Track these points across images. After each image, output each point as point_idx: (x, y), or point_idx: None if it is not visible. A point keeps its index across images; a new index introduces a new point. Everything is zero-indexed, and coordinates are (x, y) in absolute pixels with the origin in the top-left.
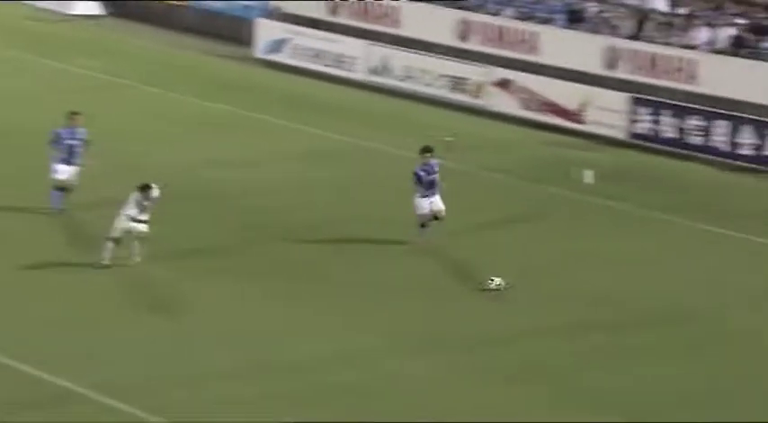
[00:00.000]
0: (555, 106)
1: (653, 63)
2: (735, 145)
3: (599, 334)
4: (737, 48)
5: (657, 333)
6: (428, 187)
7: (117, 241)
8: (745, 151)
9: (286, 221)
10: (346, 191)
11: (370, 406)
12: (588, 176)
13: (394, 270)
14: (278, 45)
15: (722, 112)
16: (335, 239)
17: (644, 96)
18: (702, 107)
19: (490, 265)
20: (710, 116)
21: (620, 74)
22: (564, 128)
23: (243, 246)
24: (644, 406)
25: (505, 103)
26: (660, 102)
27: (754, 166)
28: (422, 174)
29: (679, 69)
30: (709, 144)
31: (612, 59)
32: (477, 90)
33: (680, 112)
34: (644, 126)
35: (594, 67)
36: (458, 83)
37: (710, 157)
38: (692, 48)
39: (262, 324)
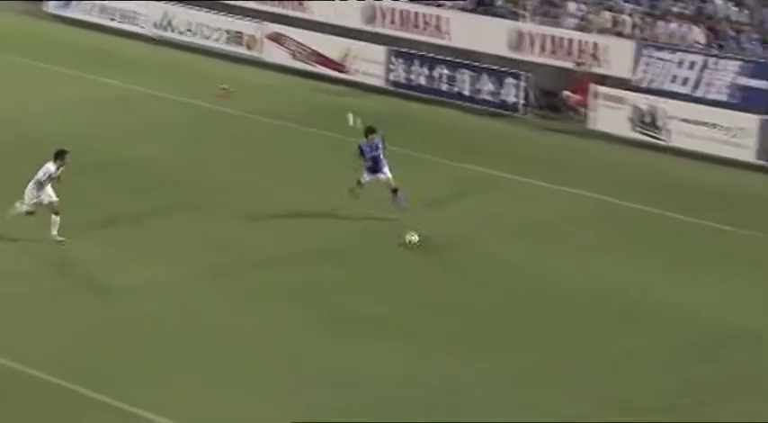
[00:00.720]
0: (322, 57)
1: (408, 19)
2: (477, 91)
3: (354, 261)
4: (479, 6)
5: (415, 259)
6: (374, 163)
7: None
8: (485, 97)
9: (86, 162)
10: (140, 134)
11: (160, 330)
12: (353, 120)
13: (180, 213)
14: (68, 1)
15: (466, 62)
16: (136, 179)
17: (400, 49)
18: (449, 58)
19: (263, 199)
20: (456, 66)
21: (379, 29)
22: (331, 77)
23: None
24: (399, 324)
25: (278, 55)
26: (414, 53)
27: (493, 109)
28: (366, 149)
29: (429, 24)
30: (456, 91)
31: (372, 16)
32: (252, 43)
33: (431, 63)
34: (400, 75)
35: (357, 22)
36: (234, 36)
37: (457, 101)
38: (441, 6)
39: (75, 258)
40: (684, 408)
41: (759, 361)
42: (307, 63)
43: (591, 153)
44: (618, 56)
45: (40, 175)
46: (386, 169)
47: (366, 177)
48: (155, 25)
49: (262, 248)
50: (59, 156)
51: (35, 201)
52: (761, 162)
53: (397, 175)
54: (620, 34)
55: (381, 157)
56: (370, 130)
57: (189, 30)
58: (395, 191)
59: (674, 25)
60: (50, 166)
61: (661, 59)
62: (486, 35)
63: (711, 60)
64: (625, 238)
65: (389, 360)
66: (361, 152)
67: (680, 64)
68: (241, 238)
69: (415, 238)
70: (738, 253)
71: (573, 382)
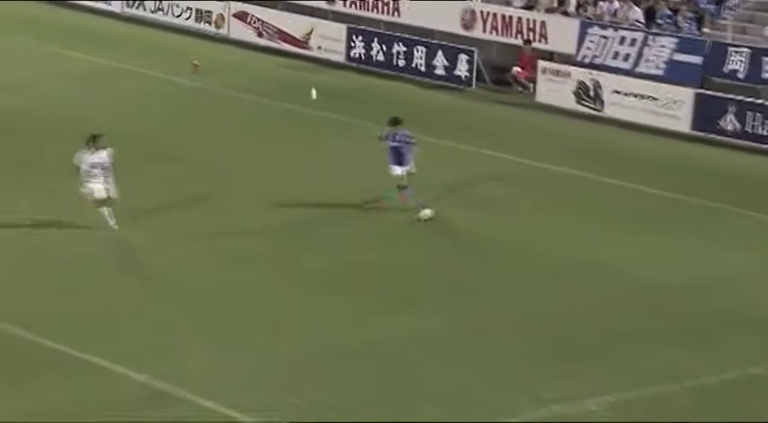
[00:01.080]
0: (285, 35)
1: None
2: (430, 66)
3: (314, 225)
4: None
5: (370, 224)
6: (396, 156)
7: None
8: (438, 72)
9: (69, 134)
10: (116, 107)
11: (135, 283)
12: (313, 94)
13: (161, 182)
14: None
15: (421, 39)
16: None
17: (358, 26)
18: (404, 35)
19: (227, 169)
20: (411, 43)
21: (339, 7)
22: (294, 53)
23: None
24: (348, 282)
25: (244, 33)
26: (371, 31)
27: (446, 83)
28: (389, 138)
29: (386, 4)
30: (411, 66)
31: None
32: (219, 20)
33: (387, 40)
34: (358, 51)
35: (319, 2)
36: (202, 14)
37: (412, 76)
38: None
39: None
40: (616, 351)
41: (696, 314)
42: (271, 40)
43: (537, 124)
44: (563, 34)
45: (83, 167)
46: (406, 166)
47: (397, 172)
48: (126, 4)
49: (237, 214)
50: (93, 140)
51: (86, 191)
52: (694, 132)
53: (356, 145)
54: (564, 13)
55: (404, 151)
56: (394, 121)
57: (159, 9)
58: (403, 187)
59: (615, 5)
60: (85, 155)
61: (603, 37)
62: (440, 14)
63: (650, 38)
64: (566, 203)
65: (344, 314)
66: (383, 137)
67: (621, 41)
68: (219, 205)
69: (429, 212)
70: (670, 214)
71: (517, 333)
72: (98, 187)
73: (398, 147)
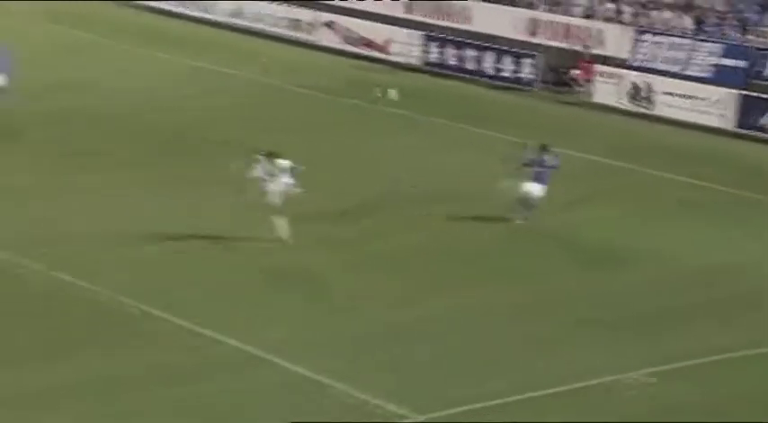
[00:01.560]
0: (368, 41)
1: (439, 8)
2: (498, 70)
3: (374, 213)
4: None
5: (419, 209)
6: (537, 178)
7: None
8: (505, 74)
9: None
10: (222, 107)
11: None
12: (393, 94)
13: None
14: None
15: (489, 45)
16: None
17: (433, 34)
18: (475, 41)
19: (304, 160)
20: (481, 48)
21: (416, 17)
22: (375, 58)
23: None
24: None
25: (331, 39)
26: (445, 37)
27: (512, 85)
28: (534, 162)
29: (458, 13)
30: (480, 69)
31: (409, 5)
32: (309, 29)
33: (459, 46)
34: (433, 56)
35: (396, 11)
36: (294, 23)
37: (481, 78)
38: None
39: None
40: (653, 327)
41: (734, 295)
42: (354, 46)
43: (593, 122)
44: (618, 40)
45: (260, 176)
46: (540, 185)
47: (528, 189)
48: (228, 14)
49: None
50: (270, 156)
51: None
52: (738, 130)
53: (431, 141)
54: (620, 22)
55: (545, 175)
56: (542, 147)
57: (250, 17)
58: (532, 206)
59: (666, 14)
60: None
61: (655, 43)
62: (507, 22)
63: (697, 44)
64: (618, 193)
65: (395, 290)
66: (529, 163)
67: (671, 47)
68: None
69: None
70: (714, 205)
71: (558, 311)
72: (276, 193)
73: (541, 172)
